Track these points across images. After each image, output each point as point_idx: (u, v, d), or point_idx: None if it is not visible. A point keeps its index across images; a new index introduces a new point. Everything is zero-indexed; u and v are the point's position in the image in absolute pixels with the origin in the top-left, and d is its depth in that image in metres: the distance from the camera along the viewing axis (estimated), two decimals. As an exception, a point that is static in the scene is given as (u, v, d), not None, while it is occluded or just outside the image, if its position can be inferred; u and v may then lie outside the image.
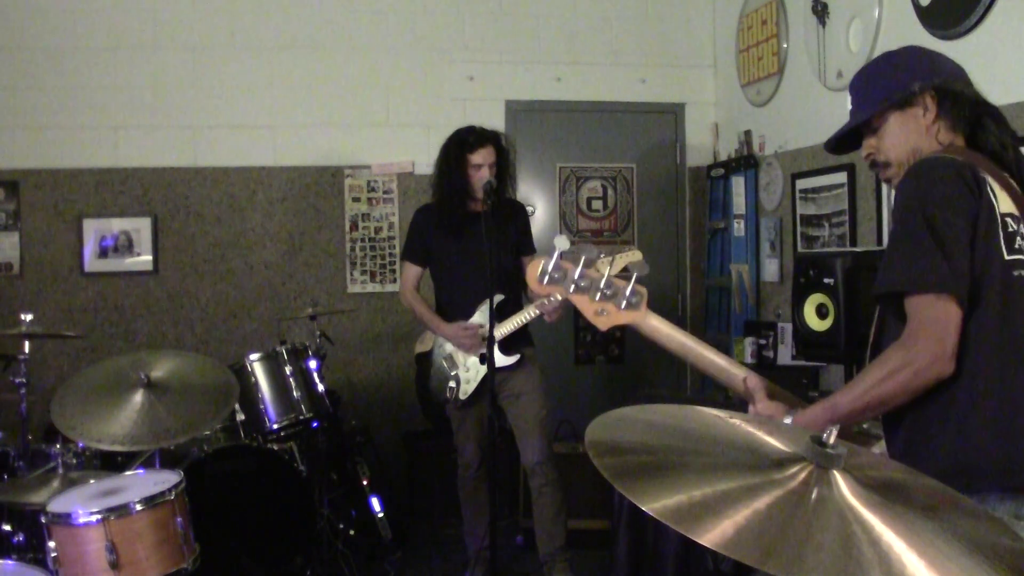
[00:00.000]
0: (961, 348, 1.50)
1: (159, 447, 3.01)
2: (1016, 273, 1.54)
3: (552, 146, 5.12)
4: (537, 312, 3.50)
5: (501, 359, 3.53)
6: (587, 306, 1.52)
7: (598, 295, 1.51)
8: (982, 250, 1.52)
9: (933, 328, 1.48)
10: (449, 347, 3.61)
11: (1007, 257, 1.54)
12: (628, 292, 1.51)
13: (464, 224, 3.54)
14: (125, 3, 4.70)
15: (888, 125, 1.72)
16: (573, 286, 1.51)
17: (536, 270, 1.52)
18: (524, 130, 5.00)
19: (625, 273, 1.55)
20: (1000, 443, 1.51)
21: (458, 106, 4.90)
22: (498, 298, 3.51)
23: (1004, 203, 1.56)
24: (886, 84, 1.73)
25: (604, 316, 1.52)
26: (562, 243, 1.46)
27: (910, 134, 1.70)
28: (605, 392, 5.05)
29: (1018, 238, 1.56)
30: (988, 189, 1.55)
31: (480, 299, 3.48)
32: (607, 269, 3.48)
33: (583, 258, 1.49)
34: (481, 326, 3.48)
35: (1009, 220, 1.56)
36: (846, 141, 1.83)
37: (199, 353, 4.55)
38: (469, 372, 3.54)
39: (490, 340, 3.25)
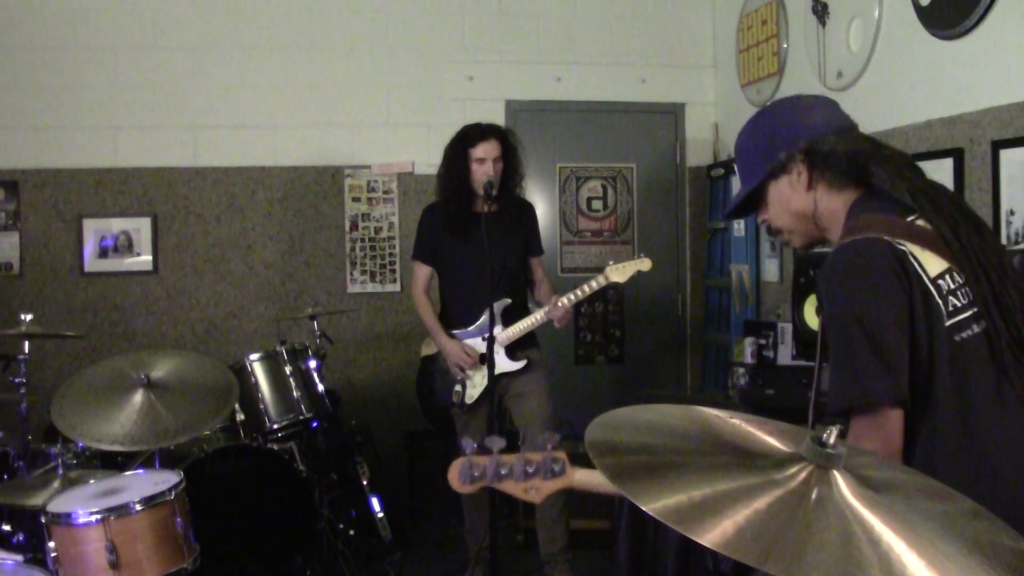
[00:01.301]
0: (919, 436, 1.50)
1: (159, 447, 3.01)
2: (957, 338, 1.49)
3: (552, 146, 5.12)
4: (546, 317, 3.48)
5: (507, 364, 3.53)
6: (515, 488, 1.61)
7: (522, 476, 1.60)
8: (924, 333, 1.48)
9: (879, 436, 1.49)
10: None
11: (947, 323, 1.49)
12: (548, 462, 1.60)
13: (470, 225, 3.51)
14: (125, 3, 4.70)
15: (769, 195, 1.72)
16: (495, 477, 1.60)
17: (455, 474, 1.61)
18: (524, 130, 4.98)
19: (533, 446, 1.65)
20: None
21: (458, 106, 4.90)
22: (506, 303, 3.51)
23: (930, 265, 1.51)
24: (757, 156, 1.72)
25: (535, 492, 1.61)
26: (468, 445, 1.57)
27: (790, 201, 1.69)
28: (605, 392, 5.05)
29: (951, 299, 1.50)
30: (911, 261, 1.50)
31: (486, 303, 3.45)
32: (618, 276, 3.53)
33: (495, 448, 1.58)
34: (482, 355, 3.48)
35: (940, 282, 1.51)
36: (747, 208, 1.82)
37: (199, 353, 4.56)
38: (475, 377, 3.53)
39: (490, 340, 3.25)
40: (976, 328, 1.50)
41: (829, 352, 1.58)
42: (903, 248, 1.51)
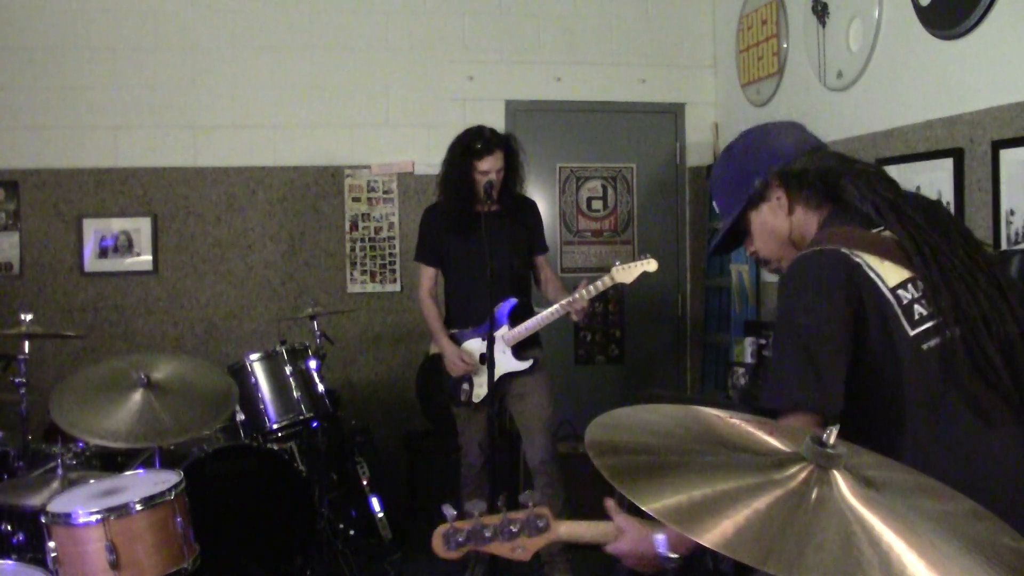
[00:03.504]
0: (894, 450, 1.45)
1: (159, 446, 3.01)
2: (925, 347, 1.47)
3: (552, 146, 5.12)
4: (563, 310, 3.46)
5: (514, 364, 3.53)
6: (501, 549, 1.60)
7: (507, 536, 1.59)
8: (880, 343, 1.47)
9: None
10: (467, 349, 3.59)
11: (911, 333, 1.47)
12: (531, 519, 1.59)
13: (472, 225, 3.49)
14: (125, 3, 4.70)
15: (752, 225, 1.72)
16: (480, 540, 1.58)
17: (439, 542, 1.59)
18: (524, 130, 4.99)
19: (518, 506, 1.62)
20: None
21: (458, 106, 4.90)
22: (512, 303, 3.50)
23: (890, 275, 1.49)
24: (734, 188, 1.72)
25: (522, 551, 1.60)
26: (449, 512, 1.55)
27: (774, 227, 1.69)
28: (605, 392, 5.05)
29: (915, 307, 1.48)
30: (865, 271, 1.49)
31: (490, 302, 3.43)
32: (624, 276, 3.51)
33: (476, 513, 1.57)
34: (482, 355, 3.47)
35: (901, 292, 1.49)
36: (730, 243, 1.82)
37: (198, 353, 4.57)
38: (483, 376, 3.52)
39: (489, 340, 3.25)
40: (936, 340, 1.47)
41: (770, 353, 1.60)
42: (858, 259, 1.50)
